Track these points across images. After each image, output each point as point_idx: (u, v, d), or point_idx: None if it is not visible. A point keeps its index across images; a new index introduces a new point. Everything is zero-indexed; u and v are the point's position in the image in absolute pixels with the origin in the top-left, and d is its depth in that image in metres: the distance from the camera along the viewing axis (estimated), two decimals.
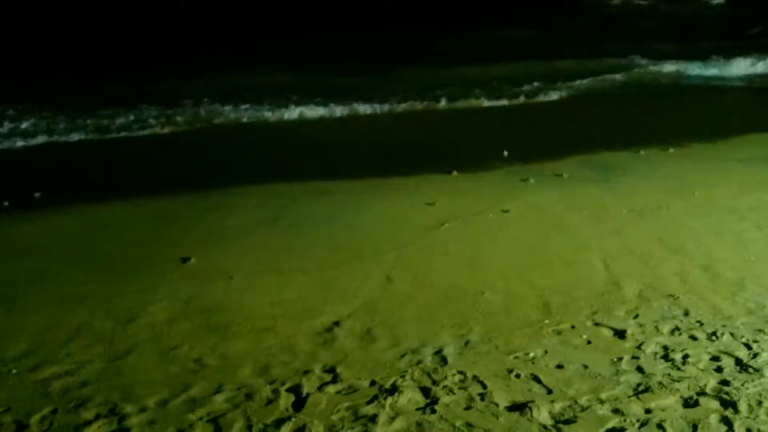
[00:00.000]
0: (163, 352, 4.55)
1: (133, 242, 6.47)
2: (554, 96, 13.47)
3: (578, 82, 14.30)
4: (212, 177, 8.62)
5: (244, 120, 11.66)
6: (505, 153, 9.43)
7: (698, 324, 4.73)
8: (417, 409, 3.87)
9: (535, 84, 13.86)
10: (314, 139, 10.91)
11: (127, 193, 7.87)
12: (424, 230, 6.61)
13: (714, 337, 4.55)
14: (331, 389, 4.07)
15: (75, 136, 10.62)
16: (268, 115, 11.85)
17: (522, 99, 13.13)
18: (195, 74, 14.61)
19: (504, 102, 12.98)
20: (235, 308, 5.10)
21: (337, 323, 4.87)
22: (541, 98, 13.31)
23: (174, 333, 4.78)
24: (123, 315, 5.05)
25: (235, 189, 8.04)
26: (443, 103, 12.68)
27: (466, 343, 4.59)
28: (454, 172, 8.60)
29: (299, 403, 3.95)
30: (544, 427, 3.70)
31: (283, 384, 4.13)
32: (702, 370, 4.17)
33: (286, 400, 3.98)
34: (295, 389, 4.08)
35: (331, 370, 4.28)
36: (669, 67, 15.57)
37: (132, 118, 11.39)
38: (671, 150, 9.36)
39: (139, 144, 10.62)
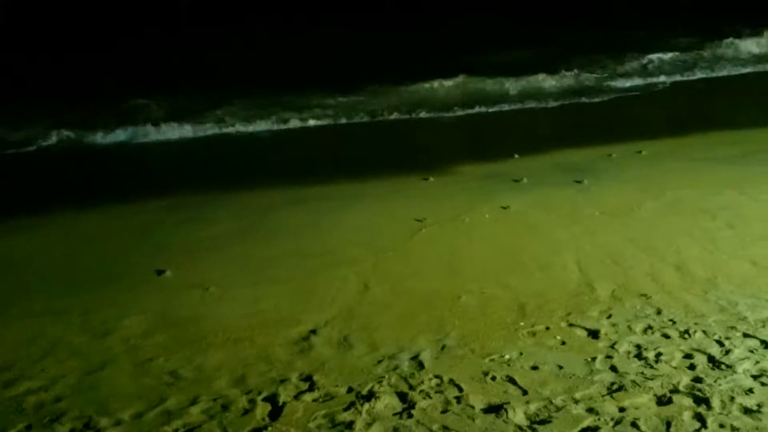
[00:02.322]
0: (139, 364, 4.49)
1: (109, 255, 6.40)
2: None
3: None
4: (188, 188, 8.55)
5: (221, 131, 11.55)
6: (516, 155, 9.51)
7: (670, 322, 4.75)
8: (394, 414, 3.84)
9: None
10: (290, 148, 10.87)
11: (105, 205, 7.81)
12: (402, 236, 6.60)
13: (686, 335, 4.56)
14: (307, 397, 4.03)
15: (54, 146, 10.48)
16: (244, 125, 11.77)
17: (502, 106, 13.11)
18: (169, 85, 14.49)
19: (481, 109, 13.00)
20: (211, 319, 5.04)
21: (314, 331, 4.83)
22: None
23: (149, 346, 4.72)
24: (98, 329, 4.98)
25: (211, 199, 8.00)
26: (419, 112, 12.65)
27: (443, 347, 4.57)
28: (431, 179, 8.60)
29: (276, 412, 3.90)
30: (520, 428, 3.69)
31: (259, 394, 4.09)
32: (675, 368, 4.18)
33: (262, 410, 3.93)
34: (272, 398, 4.03)
35: (308, 378, 4.24)
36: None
37: (114, 128, 11.25)
38: (643, 152, 9.42)
39: (117, 155, 10.53)
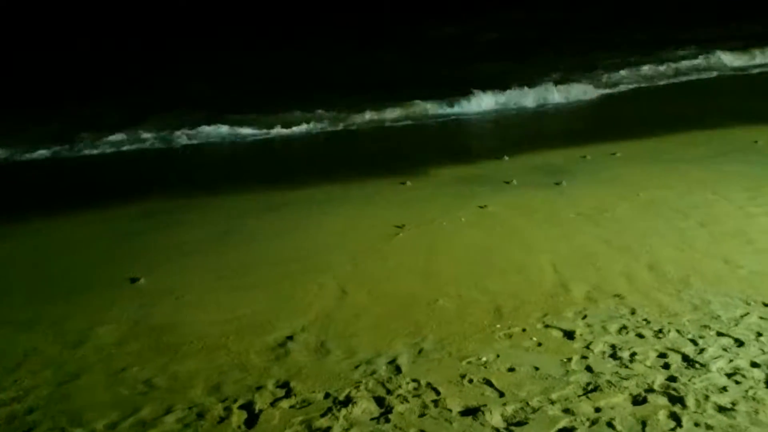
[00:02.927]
0: (113, 374, 4.42)
1: (81, 263, 6.32)
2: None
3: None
4: (162, 194, 8.47)
5: (197, 138, 11.46)
6: (506, 158, 9.56)
7: (645, 322, 4.78)
8: (371, 419, 3.82)
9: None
10: (267, 155, 10.82)
11: (76, 213, 7.71)
12: (379, 240, 6.59)
13: (660, 335, 4.59)
14: (284, 404, 3.99)
15: (30, 155, 10.34)
16: (223, 130, 11.69)
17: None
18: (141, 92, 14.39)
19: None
20: (186, 327, 4.99)
21: (290, 337, 4.80)
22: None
23: (123, 355, 4.66)
24: (71, 338, 4.91)
25: (186, 205, 7.93)
26: (392, 113, 12.62)
27: (420, 351, 4.57)
28: (408, 182, 8.60)
29: (252, 420, 3.86)
30: (497, 430, 3.69)
31: (235, 401, 4.04)
32: (650, 368, 4.20)
33: (238, 418, 3.89)
34: (248, 406, 3.99)
35: (285, 384, 4.20)
36: None
37: (88, 136, 11.12)
38: (617, 154, 9.51)
39: (90, 163, 10.40)
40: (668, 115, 12.59)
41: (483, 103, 13.21)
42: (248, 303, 5.36)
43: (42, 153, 10.65)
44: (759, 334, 4.53)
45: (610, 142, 10.23)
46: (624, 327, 4.72)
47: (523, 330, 4.77)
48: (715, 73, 16.12)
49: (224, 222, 7.29)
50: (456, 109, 13.00)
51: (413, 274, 5.85)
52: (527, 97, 13.66)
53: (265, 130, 11.69)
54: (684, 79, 15.62)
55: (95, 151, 10.77)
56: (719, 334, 4.57)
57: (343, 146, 11.32)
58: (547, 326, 4.81)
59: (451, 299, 5.31)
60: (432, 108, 12.93)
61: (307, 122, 12.04)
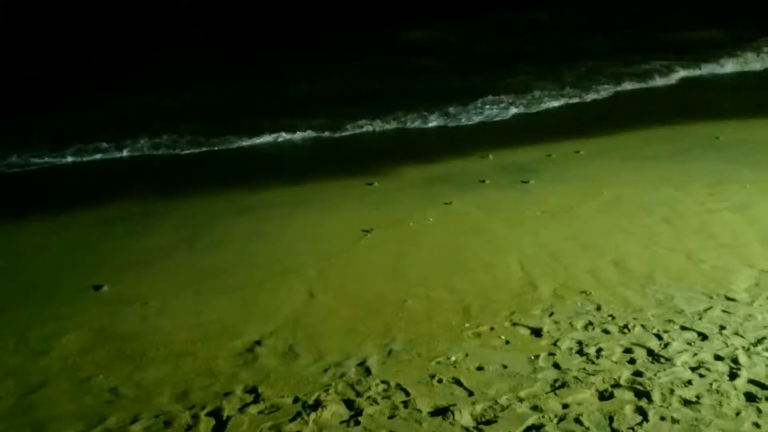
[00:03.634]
0: (77, 383, 4.33)
1: (45, 270, 6.18)
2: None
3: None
4: (127, 200, 8.32)
5: (161, 147, 11.33)
6: (491, 156, 9.65)
7: (610, 318, 4.84)
8: (341, 423, 3.81)
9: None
10: (234, 162, 10.71)
11: (38, 219, 7.54)
12: (347, 242, 6.58)
13: (626, 330, 4.66)
14: (253, 410, 3.95)
15: None
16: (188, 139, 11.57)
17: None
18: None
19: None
20: (151, 334, 4.92)
21: (258, 342, 4.75)
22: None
23: (88, 363, 4.56)
24: (35, 347, 4.80)
25: (152, 211, 7.82)
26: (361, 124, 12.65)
27: (389, 352, 4.56)
28: (375, 183, 8.60)
29: (220, 427, 3.82)
30: (466, 429, 3.70)
31: (202, 408, 3.99)
32: (616, 363, 4.26)
33: (206, 425, 3.84)
34: (216, 413, 3.94)
35: (253, 390, 4.16)
36: None
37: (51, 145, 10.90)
38: (581, 152, 9.63)
39: (53, 170, 10.18)
40: (630, 113, 12.80)
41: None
42: (215, 308, 5.30)
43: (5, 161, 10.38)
44: (722, 328, 4.63)
45: (573, 140, 10.36)
46: (590, 323, 4.78)
47: (491, 329, 4.80)
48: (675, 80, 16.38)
49: (191, 227, 7.21)
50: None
51: (381, 275, 5.84)
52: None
53: (233, 139, 11.56)
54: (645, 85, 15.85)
55: (59, 160, 10.54)
56: (683, 328, 4.65)
57: (311, 151, 11.27)
58: (514, 324, 4.84)
59: (419, 300, 5.32)
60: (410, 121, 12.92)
61: (274, 131, 11.96)
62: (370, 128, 12.41)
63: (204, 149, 10.96)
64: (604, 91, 15.21)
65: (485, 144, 10.55)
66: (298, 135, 11.75)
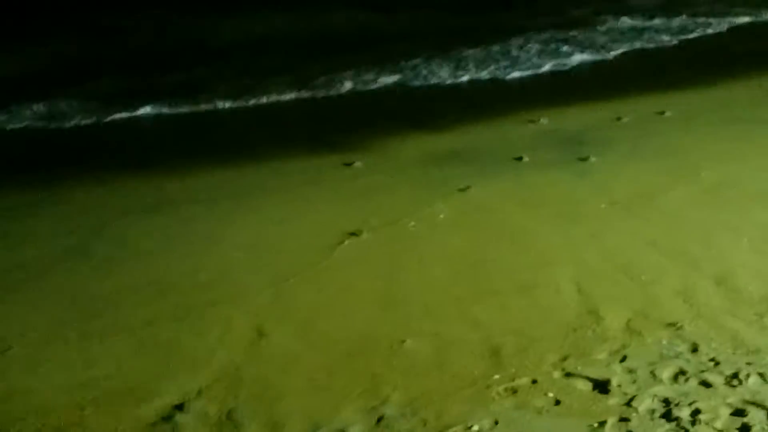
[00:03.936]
0: None
1: None
2: None
3: None
4: None
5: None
6: (543, 120, 9.83)
7: (712, 364, 4.81)
8: None
9: None
10: (148, 130, 10.75)
11: None
12: (316, 253, 6.58)
13: (736, 381, 4.63)
14: None
15: None
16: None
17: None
18: None
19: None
20: (18, 396, 4.87)
21: (179, 407, 4.71)
22: None
23: None
24: None
25: (26, 204, 7.89)
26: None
27: (380, 419, 4.54)
28: (358, 163, 8.61)
29: None
30: None
31: None
32: (721, 431, 4.25)
33: None
34: None
35: None
36: None
37: None
38: (667, 113, 9.65)
39: None
40: (743, 55, 12.87)
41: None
42: (113, 356, 5.26)
43: None
44: None
45: (655, 94, 10.39)
46: (682, 372, 4.75)
47: (534, 381, 4.77)
48: None
49: (79, 230, 7.23)
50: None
51: (367, 302, 5.82)
52: None
53: (144, 106, 11.60)
54: None
55: None
56: None
57: (262, 118, 11.29)
58: (568, 375, 4.81)
59: (424, 339, 5.29)
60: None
61: (205, 92, 12.01)
62: (349, 84, 12.46)
63: (102, 119, 11.02)
64: (708, 27, 15.38)
65: (521, 101, 10.59)
66: (240, 100, 11.78)
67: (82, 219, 7.50)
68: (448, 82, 12.63)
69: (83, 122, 11.07)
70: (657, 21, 15.99)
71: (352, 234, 6.83)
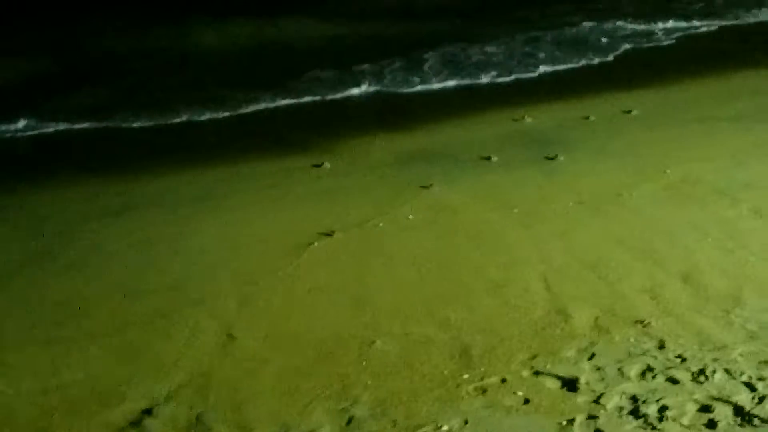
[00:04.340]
0: None
1: None
2: None
3: None
4: None
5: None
6: (527, 118, 9.86)
7: (679, 360, 4.84)
8: None
9: None
10: (112, 134, 10.68)
11: None
12: (285, 255, 6.56)
13: (702, 377, 4.65)
14: None
15: None
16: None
17: None
18: None
19: None
20: None
21: (148, 411, 4.69)
22: None
23: None
24: None
25: None
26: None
27: (349, 420, 4.54)
28: (326, 164, 8.60)
29: None
30: None
31: None
32: (687, 428, 4.25)
33: None
34: None
35: None
36: None
37: None
38: (634, 112, 9.70)
39: None
40: (707, 54, 13.00)
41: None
42: (81, 362, 5.22)
43: None
44: None
45: (622, 94, 10.46)
46: (649, 369, 4.77)
47: (503, 380, 4.78)
48: None
49: (43, 235, 7.20)
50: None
51: (336, 303, 5.82)
52: None
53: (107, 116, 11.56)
54: None
55: None
56: None
57: (227, 121, 11.25)
58: (537, 373, 4.82)
59: (393, 339, 5.29)
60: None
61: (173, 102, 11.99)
62: (317, 89, 12.48)
63: (67, 126, 10.98)
64: (674, 32, 15.58)
65: (492, 102, 10.63)
66: (205, 108, 11.70)
67: (47, 225, 7.45)
68: (418, 87, 12.63)
69: (46, 130, 10.96)
70: (628, 25, 16.20)
71: (321, 235, 6.82)
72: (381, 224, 7.02)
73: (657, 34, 15.39)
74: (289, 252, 6.60)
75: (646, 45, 14.65)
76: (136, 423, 4.60)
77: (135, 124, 11.09)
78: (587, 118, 9.67)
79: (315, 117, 11.18)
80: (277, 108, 11.65)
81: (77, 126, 11.08)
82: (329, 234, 6.85)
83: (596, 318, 5.37)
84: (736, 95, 10.33)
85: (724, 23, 16.05)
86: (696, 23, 16.06)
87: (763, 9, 17.03)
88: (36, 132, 10.89)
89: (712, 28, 15.70)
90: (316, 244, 6.70)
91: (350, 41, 15.85)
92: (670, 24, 16.04)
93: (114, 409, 4.72)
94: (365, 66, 13.58)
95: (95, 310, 5.88)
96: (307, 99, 12.03)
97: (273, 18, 17.40)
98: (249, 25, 16.84)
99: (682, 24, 16.05)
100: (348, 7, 18.91)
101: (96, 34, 17.29)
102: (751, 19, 16.34)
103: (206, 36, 16.28)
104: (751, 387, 4.56)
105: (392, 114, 11.10)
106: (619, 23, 16.24)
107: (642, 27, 16.00)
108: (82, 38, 17.05)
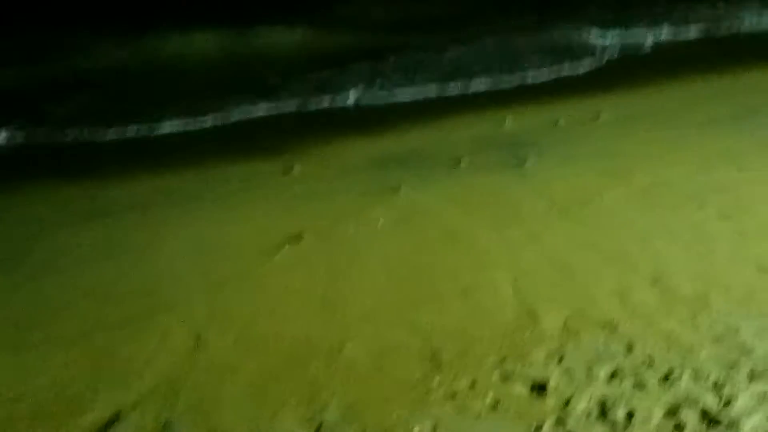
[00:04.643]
0: None
1: None
2: None
3: None
4: None
5: None
6: (508, 120, 10.01)
7: (647, 363, 4.87)
8: None
9: None
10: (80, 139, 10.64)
11: None
12: (254, 258, 6.56)
13: (669, 381, 4.68)
14: None
15: None
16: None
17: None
18: None
19: None
20: None
21: (116, 418, 4.65)
22: None
23: None
24: None
25: None
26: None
27: (319, 426, 4.52)
28: (297, 168, 8.59)
29: None
30: None
31: None
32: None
33: None
34: None
35: None
36: None
37: None
38: (603, 117, 9.76)
39: None
40: (675, 60, 13.09)
41: None
42: (47, 369, 5.17)
43: None
44: None
45: (591, 99, 10.52)
46: (617, 371, 4.79)
47: (473, 384, 4.78)
48: None
49: (9, 242, 7.14)
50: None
51: (306, 308, 5.80)
52: None
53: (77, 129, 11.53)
54: None
55: None
56: (752, 376, 4.70)
57: (197, 128, 11.23)
58: (507, 376, 4.83)
59: (364, 343, 5.28)
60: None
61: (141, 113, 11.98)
62: (291, 95, 12.50)
63: (36, 132, 10.95)
64: (645, 37, 15.76)
65: (464, 107, 10.65)
66: (175, 114, 11.68)
67: (16, 230, 7.42)
68: (390, 92, 12.68)
69: (17, 140, 10.92)
70: (598, 31, 16.41)
71: (292, 239, 6.81)
72: (352, 228, 7.02)
73: (627, 41, 15.57)
74: (259, 256, 6.59)
75: (616, 51, 14.78)
76: (104, 430, 4.56)
77: (107, 133, 11.03)
78: (557, 122, 9.73)
79: (287, 123, 11.19)
80: (250, 115, 11.62)
81: (49, 135, 11.02)
82: (299, 238, 6.84)
83: (566, 321, 5.39)
84: (703, 101, 10.42)
85: (695, 32, 16.21)
86: (667, 31, 16.23)
87: (735, 17, 17.28)
88: (5, 140, 10.80)
89: (684, 36, 15.84)
90: (286, 248, 6.69)
91: (322, 49, 15.97)
92: (642, 31, 16.23)
93: (81, 417, 4.68)
94: (338, 73, 13.68)
95: (64, 316, 5.82)
96: (279, 106, 12.02)
97: (246, 28, 17.38)
98: (222, 35, 16.86)
99: (655, 31, 16.23)
100: (321, 16, 19.01)
101: (69, 45, 17.30)
102: (723, 30, 16.50)
103: (177, 47, 16.24)
104: (717, 390, 4.59)
105: (365, 119, 11.14)
106: (590, 30, 16.41)
107: (612, 33, 16.20)
108: (54, 49, 17.06)
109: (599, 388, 4.66)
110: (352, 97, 12.56)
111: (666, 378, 4.72)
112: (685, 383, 4.67)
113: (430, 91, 12.66)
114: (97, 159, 9.78)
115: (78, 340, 5.50)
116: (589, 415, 4.44)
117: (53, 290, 6.24)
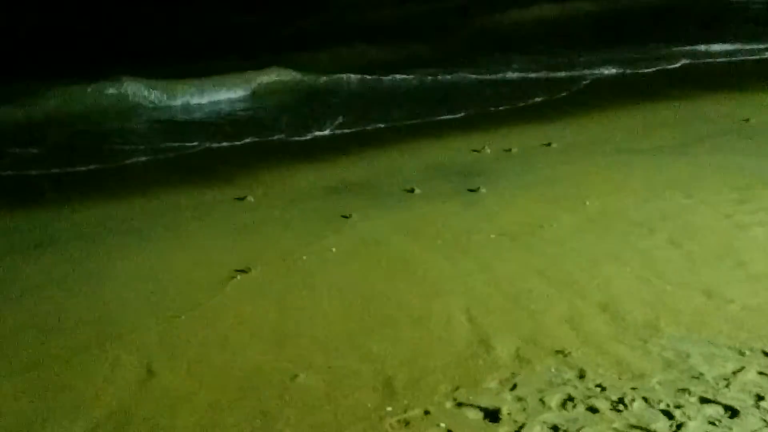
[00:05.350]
0: None
1: None
2: None
3: None
4: None
5: None
6: (487, 149, 9.96)
7: (598, 389, 4.90)
8: None
9: None
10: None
11: None
12: (207, 289, 6.49)
13: (621, 407, 4.70)
14: None
15: None
16: None
17: None
18: None
19: None
20: None
21: None
22: None
23: None
24: None
25: None
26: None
27: None
28: (250, 197, 8.56)
29: None
30: None
31: None
32: None
33: None
34: None
35: None
36: None
37: None
38: (554, 145, 9.85)
39: None
40: (624, 88, 13.29)
41: None
42: None
43: None
44: (759, 398, 4.74)
45: (542, 127, 10.62)
46: (570, 398, 4.81)
47: (426, 413, 4.76)
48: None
49: None
50: None
51: (259, 338, 5.76)
52: None
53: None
54: None
55: None
56: (703, 400, 4.74)
57: (148, 151, 11.13)
58: (460, 404, 4.83)
59: (316, 373, 5.25)
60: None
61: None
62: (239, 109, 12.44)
63: None
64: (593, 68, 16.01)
65: (414, 135, 10.69)
66: (131, 152, 11.55)
67: None
68: (341, 120, 12.70)
69: None
70: (547, 61, 16.66)
71: (244, 269, 6.77)
72: (304, 257, 7.00)
73: (575, 70, 15.80)
74: (211, 286, 6.53)
75: (565, 82, 14.95)
76: None
77: (55, 167, 10.90)
78: (509, 150, 9.79)
79: (239, 152, 11.11)
80: (204, 146, 11.53)
81: None
82: (252, 268, 6.80)
83: (518, 348, 5.41)
84: (651, 129, 10.57)
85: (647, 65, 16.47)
86: (617, 63, 16.51)
87: (675, 50, 17.63)
88: None
89: (634, 69, 16.07)
90: (239, 277, 6.65)
91: None
92: (591, 62, 16.49)
93: None
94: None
95: (10, 347, 5.71)
96: (234, 136, 11.98)
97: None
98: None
99: (605, 64, 16.52)
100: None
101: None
102: (672, 62, 16.75)
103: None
104: (668, 415, 4.63)
105: (317, 147, 11.09)
106: (538, 61, 16.65)
107: (559, 63, 16.44)
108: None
109: (552, 415, 4.67)
110: (299, 124, 12.60)
111: (618, 403, 4.75)
112: (637, 408, 4.70)
113: (380, 119, 12.71)
114: (43, 190, 9.62)
115: (25, 371, 5.39)
116: None
117: (1, 321, 6.12)
